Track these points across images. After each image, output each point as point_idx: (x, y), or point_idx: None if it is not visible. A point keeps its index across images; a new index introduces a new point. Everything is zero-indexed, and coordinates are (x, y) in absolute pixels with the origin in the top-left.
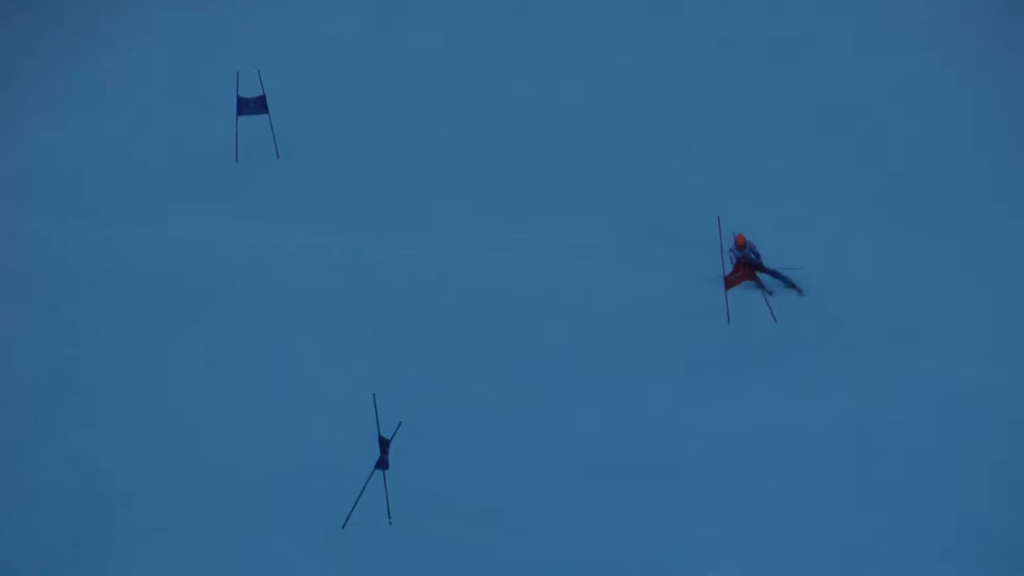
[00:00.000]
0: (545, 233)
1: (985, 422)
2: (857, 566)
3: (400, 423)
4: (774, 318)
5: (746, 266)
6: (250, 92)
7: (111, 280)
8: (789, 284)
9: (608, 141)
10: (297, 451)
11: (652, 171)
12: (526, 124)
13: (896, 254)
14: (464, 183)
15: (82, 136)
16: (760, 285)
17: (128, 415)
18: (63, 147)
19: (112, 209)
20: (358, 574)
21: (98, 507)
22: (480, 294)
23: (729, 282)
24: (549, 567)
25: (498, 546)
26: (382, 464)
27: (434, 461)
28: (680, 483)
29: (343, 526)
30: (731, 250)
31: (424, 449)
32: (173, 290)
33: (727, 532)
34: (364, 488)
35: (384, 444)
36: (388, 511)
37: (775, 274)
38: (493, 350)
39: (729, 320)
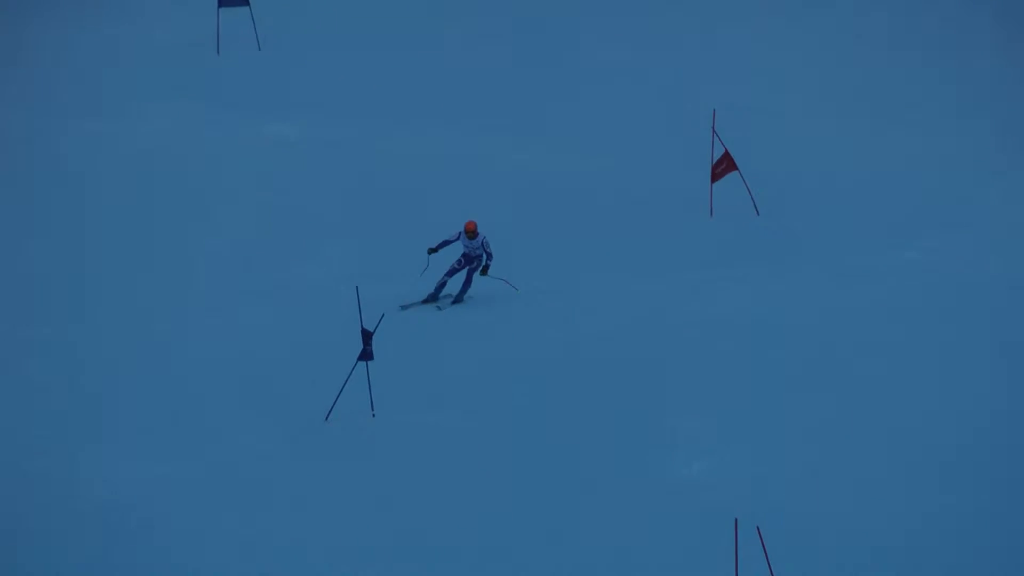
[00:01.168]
0: (525, 137)
1: (968, 314)
2: (837, 458)
3: (383, 315)
4: (756, 210)
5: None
6: None
7: (92, 173)
8: (458, 296)
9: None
10: (279, 343)
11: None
12: (523, 32)
13: (879, 150)
14: (449, 78)
15: (60, 31)
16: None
17: (107, 307)
18: (42, 43)
19: (91, 103)
20: (341, 465)
21: (75, 401)
22: (466, 186)
23: (715, 174)
24: (531, 457)
25: (480, 436)
26: (365, 356)
27: (417, 352)
28: (661, 375)
29: (326, 418)
30: (459, 233)
31: (407, 341)
32: (153, 182)
33: (709, 424)
34: (347, 380)
35: (367, 336)
36: (371, 402)
37: (464, 287)
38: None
39: (712, 213)
